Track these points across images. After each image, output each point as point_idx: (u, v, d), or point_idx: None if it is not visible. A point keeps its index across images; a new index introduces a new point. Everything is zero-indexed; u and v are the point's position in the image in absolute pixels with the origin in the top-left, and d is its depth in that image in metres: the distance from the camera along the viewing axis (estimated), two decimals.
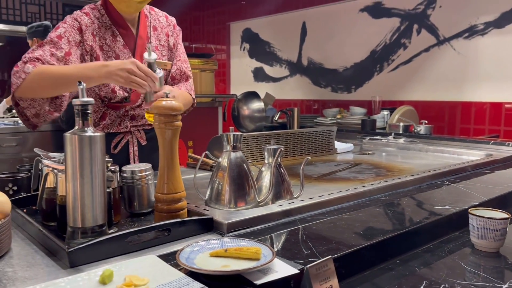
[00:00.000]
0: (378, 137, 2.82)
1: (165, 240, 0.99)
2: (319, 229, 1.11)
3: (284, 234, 1.07)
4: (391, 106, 3.87)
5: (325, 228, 1.11)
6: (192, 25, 6.43)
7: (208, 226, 1.07)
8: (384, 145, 2.68)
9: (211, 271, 0.79)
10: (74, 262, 0.86)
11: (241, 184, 1.18)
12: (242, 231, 1.07)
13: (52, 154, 1.10)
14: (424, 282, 0.95)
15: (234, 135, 1.20)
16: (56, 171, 1.01)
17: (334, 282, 0.85)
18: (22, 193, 1.28)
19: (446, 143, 2.59)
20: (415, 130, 2.97)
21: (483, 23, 3.54)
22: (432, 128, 2.96)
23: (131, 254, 0.92)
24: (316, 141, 2.26)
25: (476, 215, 1.13)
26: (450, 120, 3.81)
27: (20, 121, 3.53)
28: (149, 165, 1.23)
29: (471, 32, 3.62)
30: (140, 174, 1.19)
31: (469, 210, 1.17)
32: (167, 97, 1.10)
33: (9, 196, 1.02)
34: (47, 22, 3.73)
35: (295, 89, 5.17)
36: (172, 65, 1.84)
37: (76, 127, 0.94)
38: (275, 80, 5.43)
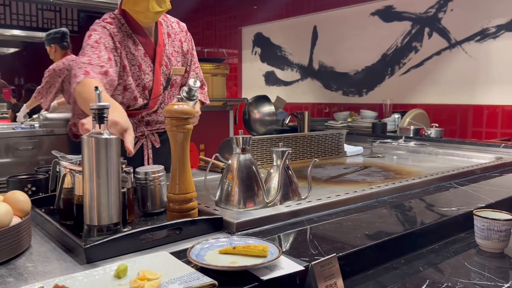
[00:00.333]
0: (388, 140, 2.84)
1: (176, 238, 1.03)
2: (326, 229, 1.13)
3: (291, 234, 1.10)
4: (403, 109, 3.87)
5: (331, 228, 1.14)
6: (204, 30, 6.51)
7: (217, 225, 1.11)
8: (394, 148, 2.69)
9: (220, 266, 0.83)
10: (90, 258, 0.91)
11: (250, 185, 1.22)
12: (250, 231, 1.10)
13: (69, 156, 1.16)
14: (428, 281, 0.98)
15: (243, 137, 1.24)
16: (73, 172, 1.06)
17: (339, 279, 0.88)
18: (41, 194, 1.33)
19: (456, 146, 2.60)
20: (426, 133, 2.97)
21: (495, 26, 3.53)
22: (442, 131, 2.96)
23: (144, 251, 0.96)
24: (325, 144, 2.28)
25: (481, 216, 1.15)
26: (462, 124, 3.80)
27: (36, 125, 3.64)
28: (161, 167, 1.28)
29: (483, 35, 3.61)
30: (153, 175, 1.24)
31: (474, 211, 1.19)
32: None
33: (28, 196, 1.07)
34: (65, 29, 3.82)
35: (306, 92, 5.19)
36: (185, 71, 1.89)
37: (93, 130, 0.98)
38: (286, 84, 5.46)
